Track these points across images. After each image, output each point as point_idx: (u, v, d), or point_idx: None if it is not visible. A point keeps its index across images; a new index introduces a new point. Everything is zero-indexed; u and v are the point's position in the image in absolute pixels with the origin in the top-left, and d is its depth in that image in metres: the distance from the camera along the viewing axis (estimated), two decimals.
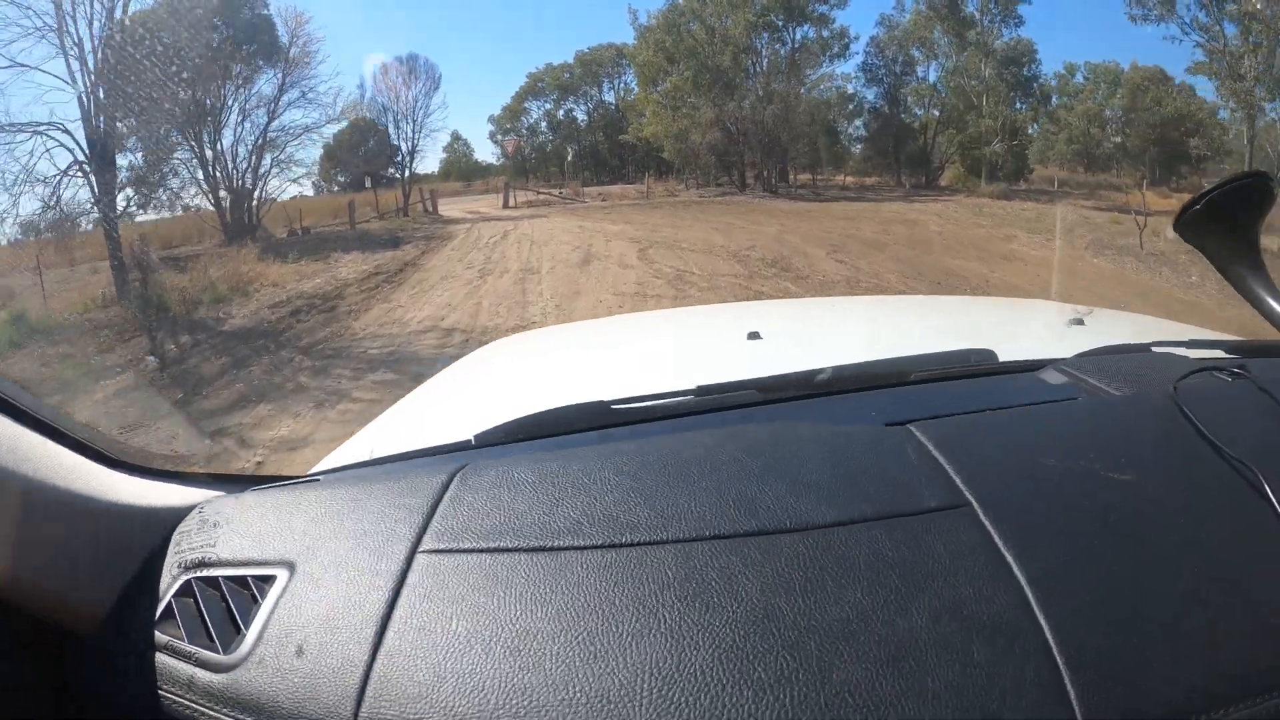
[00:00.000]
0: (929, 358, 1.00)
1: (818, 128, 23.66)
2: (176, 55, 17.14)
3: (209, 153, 18.61)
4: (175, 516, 0.71)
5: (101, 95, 12.06)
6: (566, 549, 0.58)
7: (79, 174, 11.56)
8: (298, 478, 0.82)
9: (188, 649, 0.59)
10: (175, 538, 0.69)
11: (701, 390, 0.90)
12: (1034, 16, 19.89)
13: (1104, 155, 18.84)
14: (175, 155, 18.42)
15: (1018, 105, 20.50)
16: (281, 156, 19.51)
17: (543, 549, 0.58)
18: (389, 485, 0.69)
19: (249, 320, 8.53)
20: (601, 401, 0.88)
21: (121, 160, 18.02)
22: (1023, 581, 0.52)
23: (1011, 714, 0.45)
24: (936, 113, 21.64)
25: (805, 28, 22.91)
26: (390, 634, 0.54)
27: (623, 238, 13.21)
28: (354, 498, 0.68)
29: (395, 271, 11.32)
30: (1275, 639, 0.49)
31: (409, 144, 23.21)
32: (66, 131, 11.85)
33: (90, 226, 15.84)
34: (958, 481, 0.61)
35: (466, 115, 38.96)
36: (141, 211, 18.44)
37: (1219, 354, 0.91)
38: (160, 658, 0.60)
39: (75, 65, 12.07)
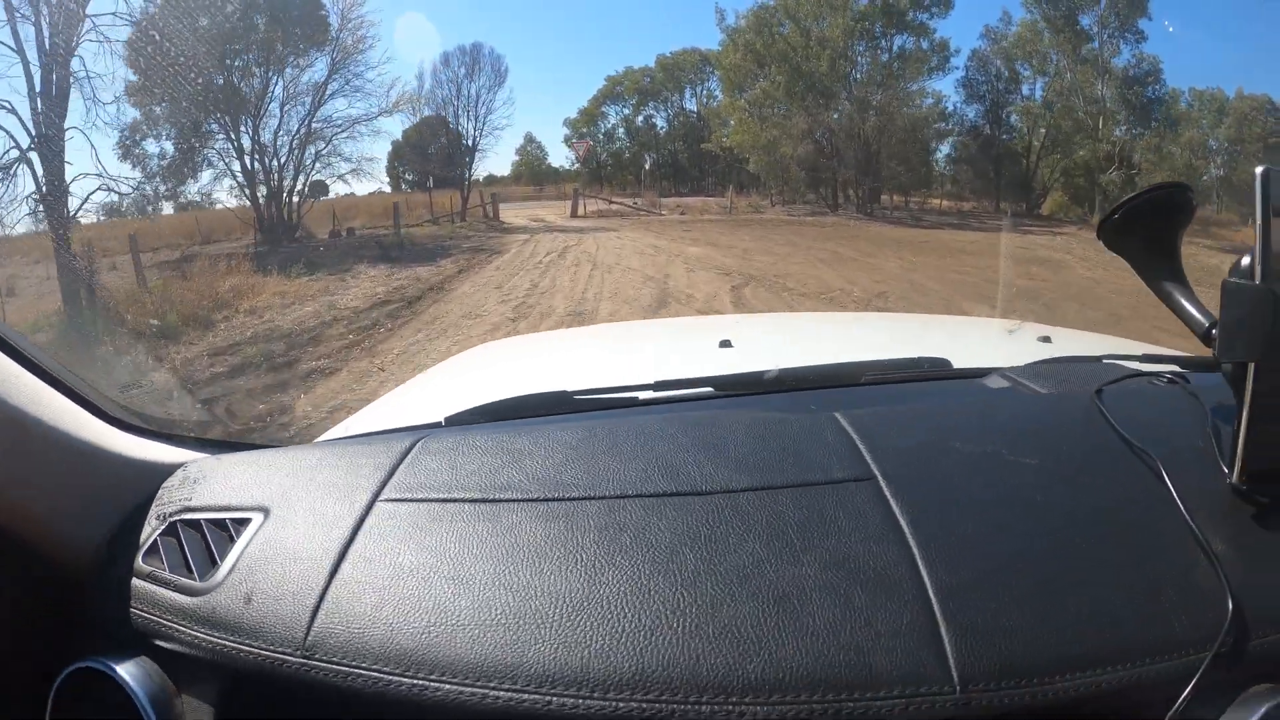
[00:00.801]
0: (883, 363, 1.01)
1: (914, 145, 20.99)
2: (206, 35, 15.04)
3: (246, 143, 16.44)
4: (165, 471, 0.76)
5: (55, 67, 9.45)
6: (505, 501, 0.63)
7: (22, 162, 8.96)
8: (277, 445, 0.86)
9: (167, 577, 0.64)
10: (162, 489, 0.74)
11: (660, 385, 0.93)
12: (1158, 33, 17.22)
13: (1204, 187, 16.34)
14: (209, 145, 16.31)
15: (1136, 129, 17.64)
16: (326, 150, 17.17)
17: (485, 500, 0.63)
18: (359, 449, 0.74)
19: (172, 376, 5.79)
20: (564, 390, 0.92)
21: (153, 148, 16.11)
22: (913, 544, 0.55)
23: (885, 654, 0.48)
24: (1039, 134, 19.12)
25: (904, 37, 20.39)
26: (346, 565, 0.59)
27: (708, 266, 10.29)
28: (327, 459, 0.73)
29: (410, 301, 8.55)
30: (1150, 614, 0.51)
31: (470, 141, 20.68)
32: (12, 111, 9.32)
33: (98, 218, 13.74)
34: (868, 459, 0.65)
35: (542, 117, 36.98)
36: (168, 204, 16.51)
37: (1170, 368, 0.91)
38: (141, 585, 0.65)
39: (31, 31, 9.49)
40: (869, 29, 20.30)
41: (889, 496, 0.60)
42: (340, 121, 17.06)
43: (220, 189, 16.61)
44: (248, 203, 16.63)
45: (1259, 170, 0.56)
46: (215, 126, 16.24)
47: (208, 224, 16.45)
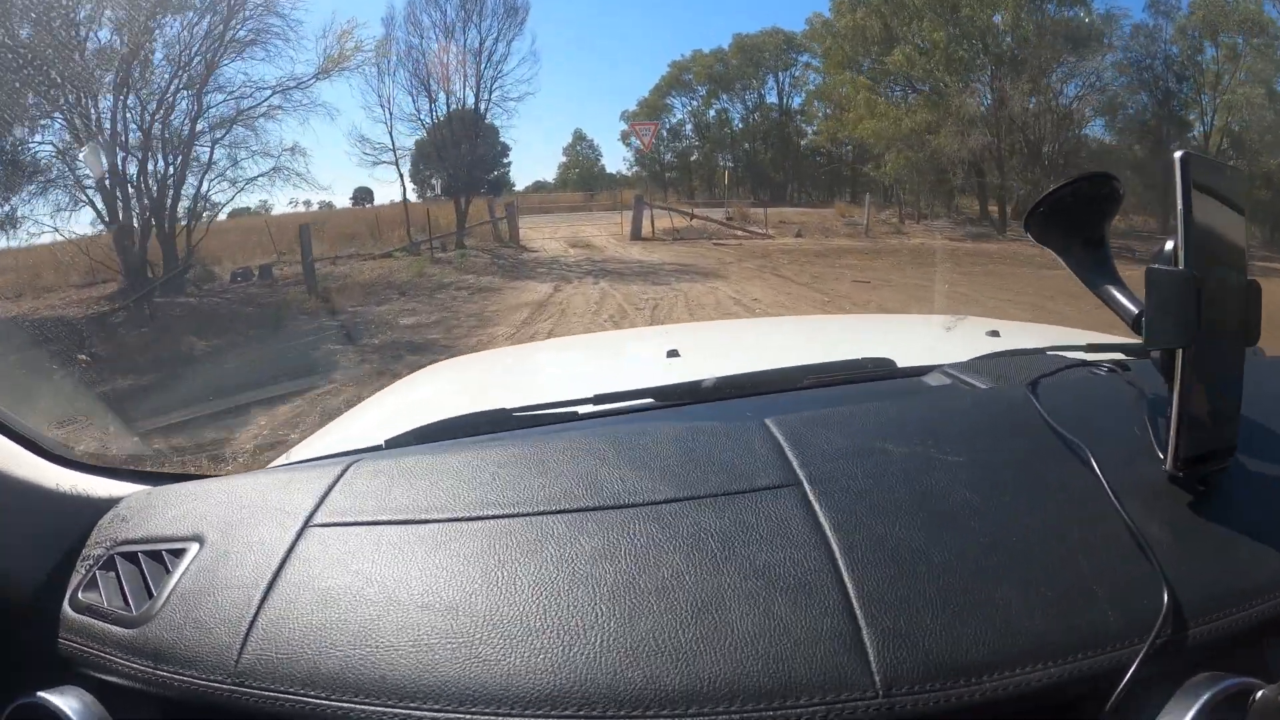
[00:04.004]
0: (824, 366, 0.97)
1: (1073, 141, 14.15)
2: None
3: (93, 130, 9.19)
4: (104, 505, 0.74)
5: None
6: (431, 522, 0.61)
7: None
8: (213, 476, 0.83)
9: (105, 610, 0.62)
10: (100, 523, 0.72)
11: (599, 398, 0.90)
12: None
13: None
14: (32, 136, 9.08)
15: None
16: (227, 138, 9.79)
17: (411, 521, 0.61)
18: (295, 475, 0.72)
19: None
20: (503, 409, 0.89)
21: None
22: (836, 549, 0.53)
23: (805, 662, 0.47)
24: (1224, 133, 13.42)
25: (1053, 4, 13.71)
26: (276, 591, 0.57)
27: None
28: (262, 487, 0.71)
29: None
30: (1081, 609, 0.49)
31: (471, 117, 12.96)
32: None
33: None
34: (795, 465, 0.62)
35: (594, 113, 30.33)
36: None
37: (1112, 356, 0.87)
38: (78, 618, 0.63)
39: None
40: None
41: (813, 501, 0.58)
42: (253, 90, 9.62)
43: (44, 207, 9.07)
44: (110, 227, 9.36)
45: (1177, 155, 0.54)
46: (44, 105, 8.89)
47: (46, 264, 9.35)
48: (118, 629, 0.60)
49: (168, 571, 0.63)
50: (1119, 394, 0.71)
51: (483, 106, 12.76)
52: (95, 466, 0.77)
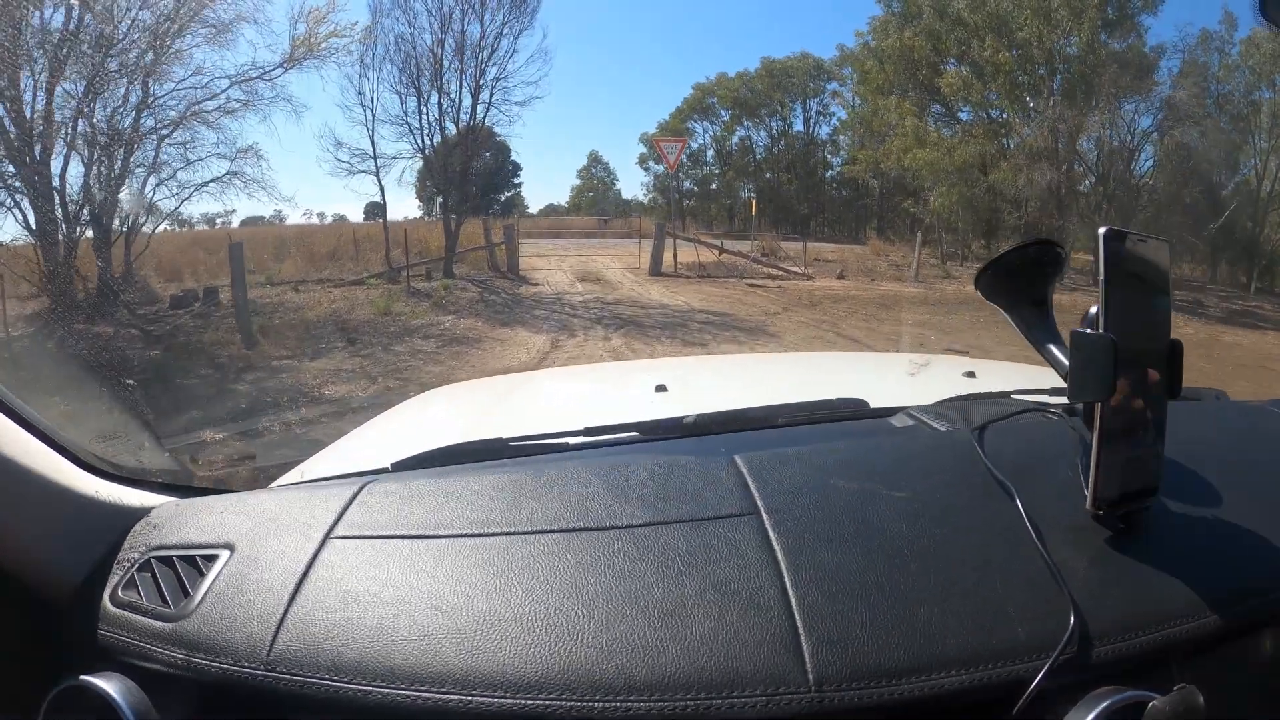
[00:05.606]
0: (800, 405, 1.02)
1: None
2: None
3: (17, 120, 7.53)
4: (135, 513, 0.78)
5: None
6: (439, 537, 0.67)
7: None
8: (236, 491, 0.88)
9: (145, 606, 0.66)
10: (136, 528, 0.76)
11: (589, 431, 0.95)
12: None
13: None
14: None
15: None
16: (172, 133, 8.09)
17: (422, 536, 0.67)
18: (313, 493, 0.77)
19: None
20: (500, 438, 0.94)
21: None
22: (784, 570, 0.59)
23: (750, 661, 0.53)
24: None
25: (1104, 34, 12.45)
26: (303, 592, 0.62)
27: None
28: (284, 502, 0.76)
29: None
30: (994, 626, 0.55)
31: (464, 113, 11.19)
32: None
33: None
34: (756, 497, 0.68)
35: (610, 137, 29.06)
36: None
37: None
38: (119, 613, 0.67)
39: None
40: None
41: (769, 529, 0.64)
42: (204, 82, 7.95)
43: None
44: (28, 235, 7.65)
45: (1101, 230, 0.58)
46: None
47: None
48: (157, 623, 0.64)
49: (201, 574, 0.67)
50: (1062, 438, 0.75)
51: (481, 110, 11.00)
52: (126, 477, 0.81)
